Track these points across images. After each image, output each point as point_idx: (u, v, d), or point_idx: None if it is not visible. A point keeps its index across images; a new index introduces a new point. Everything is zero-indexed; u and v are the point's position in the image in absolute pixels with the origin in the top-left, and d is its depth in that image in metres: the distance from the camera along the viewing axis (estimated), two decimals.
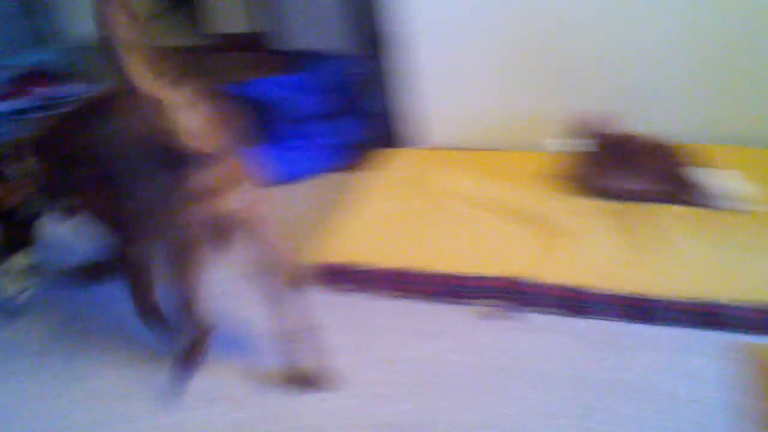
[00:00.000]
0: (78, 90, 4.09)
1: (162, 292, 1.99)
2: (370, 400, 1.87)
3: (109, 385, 2.01)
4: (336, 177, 2.95)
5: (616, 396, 1.79)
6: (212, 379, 1.97)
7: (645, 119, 2.60)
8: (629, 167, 2.46)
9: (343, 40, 3.99)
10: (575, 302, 2.06)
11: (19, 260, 2.23)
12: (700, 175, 2.38)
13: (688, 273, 2.06)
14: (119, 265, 2.01)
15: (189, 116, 1.54)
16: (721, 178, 2.38)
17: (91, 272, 2.38)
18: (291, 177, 2.91)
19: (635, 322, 2.02)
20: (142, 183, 1.66)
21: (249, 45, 4.44)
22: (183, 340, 1.91)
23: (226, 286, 2.10)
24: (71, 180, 1.94)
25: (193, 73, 1.60)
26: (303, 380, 1.90)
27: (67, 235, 2.28)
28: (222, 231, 1.68)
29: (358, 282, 2.27)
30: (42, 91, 3.91)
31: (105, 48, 1.49)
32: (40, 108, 3.88)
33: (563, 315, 2.07)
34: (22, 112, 3.84)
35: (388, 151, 2.98)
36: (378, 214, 2.53)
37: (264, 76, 3.19)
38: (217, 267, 1.75)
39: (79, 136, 1.88)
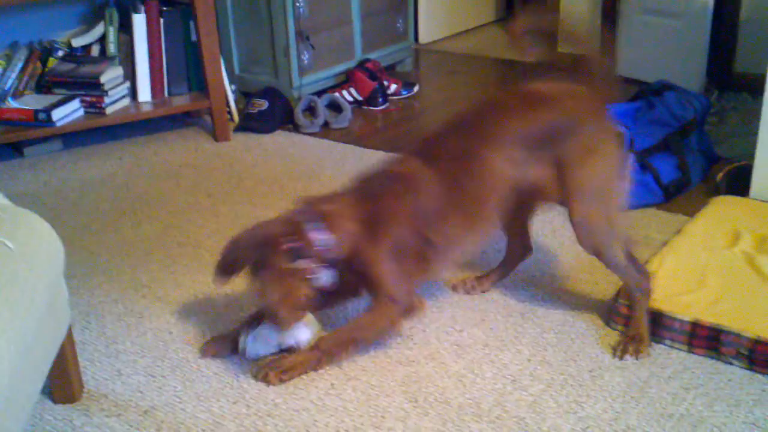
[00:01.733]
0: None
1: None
2: None
3: None
4: (652, 214, 2.83)
5: None
6: None
7: None
8: None
9: (689, 74, 3.81)
10: None
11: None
12: None
13: None
14: None
15: None
16: None
17: None
18: None
19: None
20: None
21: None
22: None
23: None
24: None
25: None
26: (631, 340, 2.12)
27: None
28: None
29: (655, 328, 2.15)
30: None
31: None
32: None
33: None
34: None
35: (717, 198, 2.78)
36: (686, 261, 2.37)
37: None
38: None
39: None
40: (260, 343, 2.13)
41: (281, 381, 2.05)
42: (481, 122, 2.11)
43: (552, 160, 2.06)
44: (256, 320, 2.16)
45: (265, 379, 2.05)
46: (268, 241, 1.98)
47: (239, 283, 2.51)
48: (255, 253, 2.00)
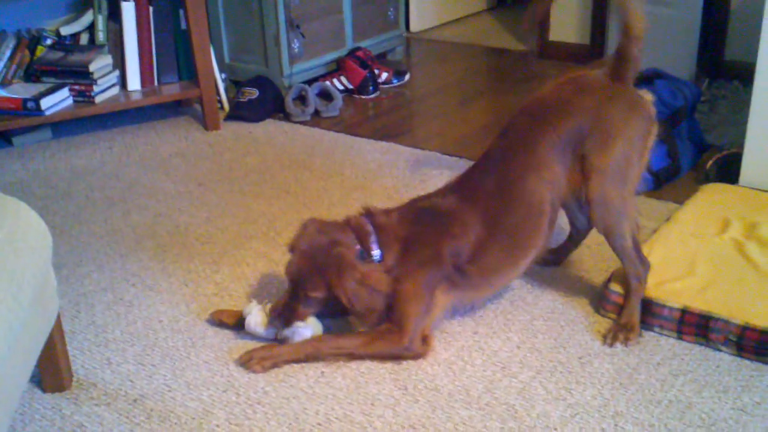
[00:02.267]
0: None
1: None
2: None
3: None
4: (643, 202, 2.82)
5: None
6: None
7: None
8: None
9: (679, 62, 3.81)
10: None
11: None
12: None
13: None
14: None
15: None
16: None
17: None
18: None
19: None
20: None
21: (579, 56, 4.40)
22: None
23: None
24: None
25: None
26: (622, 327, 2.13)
27: None
28: None
29: (644, 315, 2.16)
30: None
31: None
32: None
33: None
34: None
35: (707, 185, 2.78)
36: (676, 248, 2.37)
37: None
38: None
39: None
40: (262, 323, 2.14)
41: (263, 369, 2.05)
42: (511, 151, 2.13)
43: (576, 156, 2.08)
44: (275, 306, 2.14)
45: (247, 364, 2.06)
46: (341, 244, 2.05)
47: (228, 271, 2.52)
48: (326, 256, 2.03)
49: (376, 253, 2.08)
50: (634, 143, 2.09)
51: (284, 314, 2.09)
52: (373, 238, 2.08)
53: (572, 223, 2.43)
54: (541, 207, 2.11)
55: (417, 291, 2.06)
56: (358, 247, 2.07)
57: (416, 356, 2.07)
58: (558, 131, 2.08)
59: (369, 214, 2.14)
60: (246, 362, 2.06)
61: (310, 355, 2.07)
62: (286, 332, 2.11)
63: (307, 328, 2.12)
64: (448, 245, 2.08)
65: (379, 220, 2.12)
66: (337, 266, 2.02)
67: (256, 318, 2.14)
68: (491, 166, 2.15)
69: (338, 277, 2.01)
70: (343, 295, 2.01)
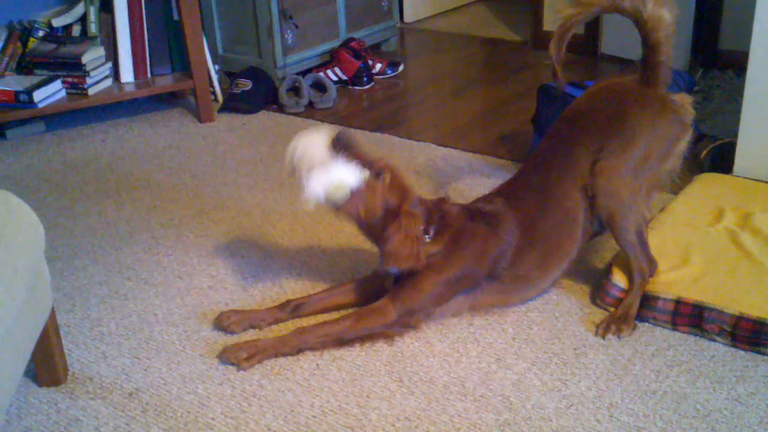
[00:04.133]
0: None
1: None
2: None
3: None
4: None
5: None
6: None
7: None
8: None
9: (673, 51, 3.80)
10: None
11: None
12: None
13: None
14: None
15: None
16: None
17: None
18: None
19: None
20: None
21: (573, 46, 4.38)
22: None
23: None
24: None
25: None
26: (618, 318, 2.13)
27: None
28: None
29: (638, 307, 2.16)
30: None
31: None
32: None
33: None
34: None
35: (701, 175, 2.79)
36: (670, 238, 2.38)
37: (590, 80, 3.13)
38: None
39: None
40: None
41: (249, 365, 2.03)
42: (551, 156, 2.21)
43: (597, 158, 2.13)
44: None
45: (229, 360, 2.04)
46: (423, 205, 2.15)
47: (222, 264, 2.52)
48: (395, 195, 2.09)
49: (428, 236, 2.12)
50: (656, 145, 2.12)
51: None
52: (434, 224, 2.14)
53: None
54: (575, 213, 2.17)
55: (437, 286, 2.11)
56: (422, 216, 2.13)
57: (400, 333, 2.11)
58: (591, 138, 2.15)
59: (441, 201, 2.21)
60: (231, 360, 2.04)
61: (294, 347, 2.07)
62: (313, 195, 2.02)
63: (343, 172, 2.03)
64: (493, 248, 2.14)
65: (445, 207, 2.18)
66: (412, 200, 2.09)
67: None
68: (533, 170, 2.25)
69: (406, 199, 2.07)
70: (394, 212, 2.05)
